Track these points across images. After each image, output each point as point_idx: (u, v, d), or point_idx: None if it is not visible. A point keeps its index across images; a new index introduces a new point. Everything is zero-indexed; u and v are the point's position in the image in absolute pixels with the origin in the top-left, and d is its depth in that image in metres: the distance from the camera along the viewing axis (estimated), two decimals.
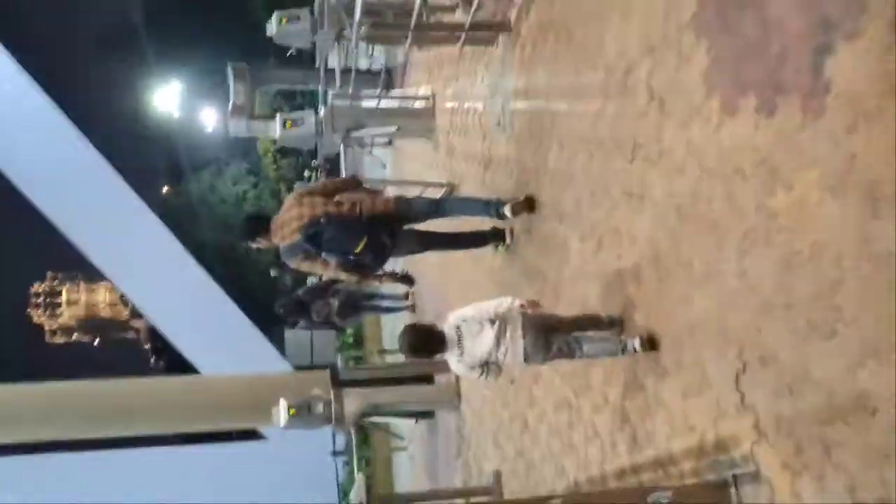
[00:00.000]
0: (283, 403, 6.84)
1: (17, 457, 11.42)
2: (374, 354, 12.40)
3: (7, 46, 15.00)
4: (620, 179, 3.65)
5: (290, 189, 47.73)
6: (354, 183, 5.24)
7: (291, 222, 4.81)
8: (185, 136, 51.86)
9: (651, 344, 3.29)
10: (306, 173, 36.69)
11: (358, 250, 4.66)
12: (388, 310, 11.26)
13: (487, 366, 3.54)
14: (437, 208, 5.30)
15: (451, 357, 3.56)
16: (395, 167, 10.79)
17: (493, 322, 3.43)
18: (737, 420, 2.71)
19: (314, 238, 4.67)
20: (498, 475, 5.67)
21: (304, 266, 5.08)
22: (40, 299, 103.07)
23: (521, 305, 3.50)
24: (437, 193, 7.64)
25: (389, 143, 11.81)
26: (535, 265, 4.94)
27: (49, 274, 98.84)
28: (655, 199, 3.31)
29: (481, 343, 3.44)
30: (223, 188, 53.84)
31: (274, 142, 46.34)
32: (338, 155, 20.45)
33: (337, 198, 4.90)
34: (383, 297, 11.21)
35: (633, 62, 3.51)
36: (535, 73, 4.96)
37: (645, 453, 3.42)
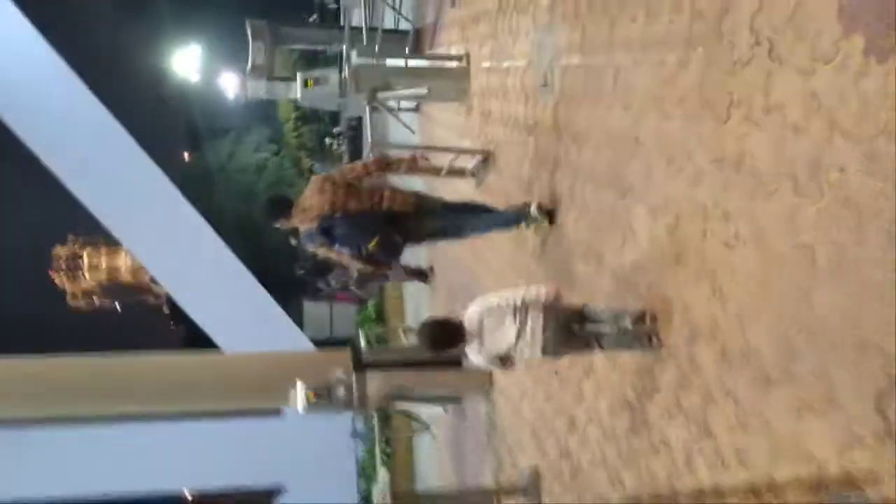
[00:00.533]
0: (300, 387, 6.34)
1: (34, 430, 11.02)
2: (398, 332, 11.88)
3: (22, 9, 14.49)
4: (708, 144, 3.02)
5: (311, 155, 47.23)
6: (382, 164, 5.14)
7: (311, 210, 4.87)
8: (205, 101, 51.32)
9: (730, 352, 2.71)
10: (328, 140, 36.10)
11: (370, 247, 4.78)
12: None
13: (505, 359, 3.52)
14: (453, 209, 5.34)
15: (470, 349, 3.53)
16: (424, 135, 10.16)
17: (514, 316, 3.39)
18: (876, 450, 2.13)
19: (328, 231, 4.80)
20: (535, 474, 5.14)
21: (321, 251, 5.15)
22: (62, 262, 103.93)
23: (546, 297, 3.43)
24: (470, 162, 7.02)
25: (416, 108, 11.17)
26: (587, 246, 4.34)
27: (70, 237, 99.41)
28: (758, 167, 2.69)
29: (502, 337, 3.41)
30: (243, 156, 53.42)
31: (295, 107, 45.92)
32: (360, 120, 19.79)
33: (363, 182, 4.95)
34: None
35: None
36: (592, 22, 4.31)
37: (733, 474, 2.85)
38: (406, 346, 7.01)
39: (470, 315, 3.52)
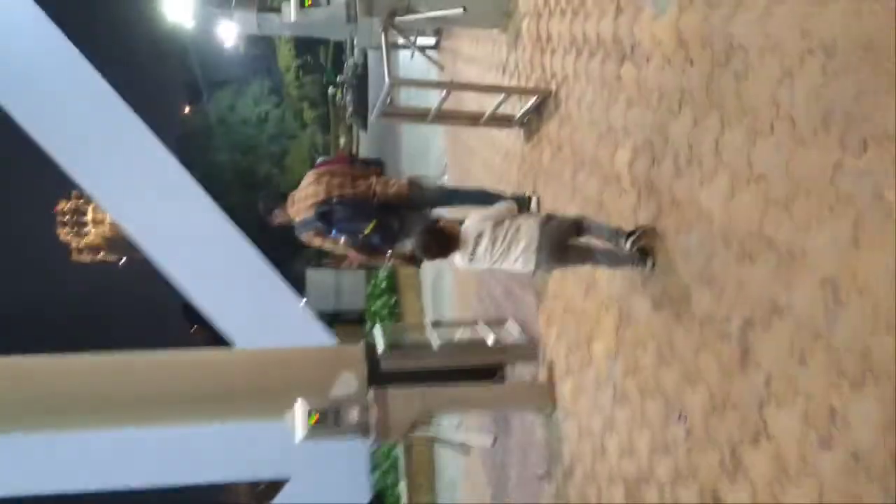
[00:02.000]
0: (300, 406, 4.76)
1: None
2: (418, 330, 10.28)
3: None
4: None
5: (313, 106, 45.07)
6: (378, 172, 5.10)
7: (307, 199, 4.89)
8: (203, 52, 49.19)
9: None
10: (330, 90, 33.96)
11: (367, 232, 4.77)
12: None
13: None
14: (450, 198, 5.32)
15: (459, 255, 3.58)
16: (449, 76, 8.36)
17: (505, 232, 3.48)
18: None
19: (326, 216, 4.79)
20: None
21: (316, 242, 5.08)
22: (66, 217, 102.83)
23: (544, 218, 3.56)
24: (526, 103, 5.30)
25: (436, 45, 9.37)
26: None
27: (74, 192, 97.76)
28: None
29: (494, 252, 3.50)
30: (244, 108, 51.51)
31: (296, 54, 43.57)
32: (366, 66, 17.60)
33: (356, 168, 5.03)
34: None
35: None
36: None
37: None
38: (432, 345, 5.31)
39: (467, 226, 3.57)
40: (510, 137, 5.97)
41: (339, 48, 35.00)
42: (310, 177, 4.98)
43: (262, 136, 50.23)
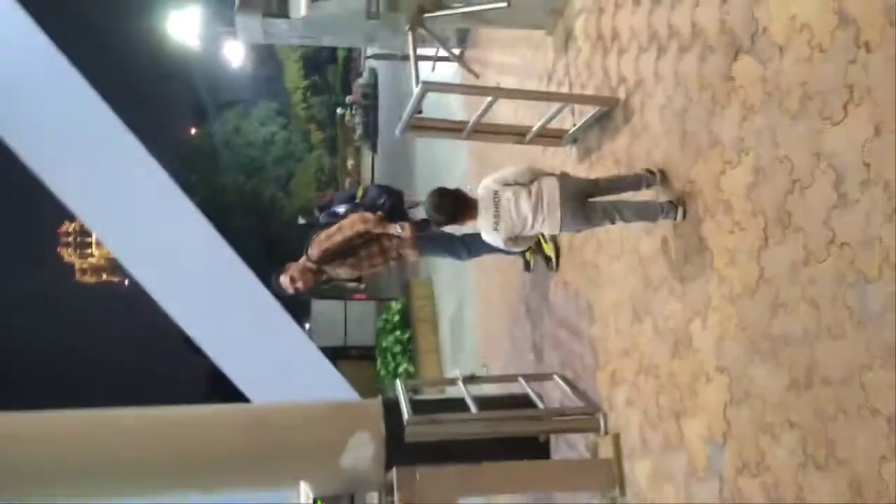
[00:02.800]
0: (303, 492, 3.79)
1: None
2: (437, 383, 9.26)
3: None
4: None
5: (320, 128, 44.29)
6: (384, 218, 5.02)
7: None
8: (208, 73, 48.73)
9: None
10: (339, 111, 33.20)
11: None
12: None
13: (516, 238, 3.47)
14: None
15: (483, 223, 3.42)
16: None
17: (529, 189, 3.33)
18: None
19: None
20: None
21: (335, 238, 4.82)
22: (70, 238, 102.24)
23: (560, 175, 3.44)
24: (582, 116, 4.38)
25: (460, 55, 8.48)
26: None
27: None
28: None
29: (519, 210, 3.33)
30: (249, 129, 50.87)
31: (304, 75, 42.85)
32: (375, 87, 16.62)
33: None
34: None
35: None
36: None
37: None
38: (468, 412, 4.29)
39: (484, 187, 3.43)
40: (556, 157, 5.04)
41: (348, 67, 34.38)
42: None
43: (268, 159, 49.56)
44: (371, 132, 23.66)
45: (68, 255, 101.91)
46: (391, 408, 4.64)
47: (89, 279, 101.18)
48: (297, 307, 14.53)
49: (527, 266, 5.74)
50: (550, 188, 3.31)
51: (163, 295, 10.12)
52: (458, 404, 4.48)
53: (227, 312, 9.79)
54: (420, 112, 4.55)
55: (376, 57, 8.03)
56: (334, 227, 4.84)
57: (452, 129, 4.58)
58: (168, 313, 10.34)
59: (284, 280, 4.92)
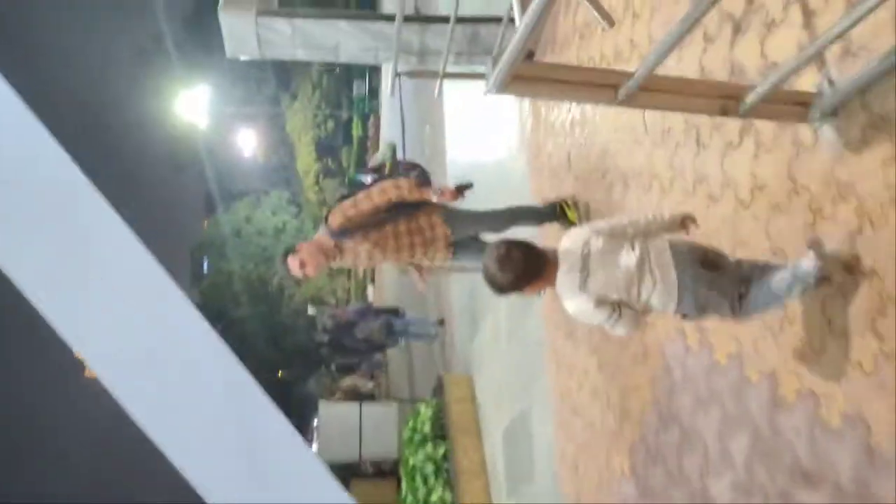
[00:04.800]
0: None
1: None
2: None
3: None
4: None
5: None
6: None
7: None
8: (219, 162, 47.93)
9: None
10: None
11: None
12: (417, 336, 11.84)
13: (619, 307, 2.39)
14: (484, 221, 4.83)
15: (566, 284, 2.41)
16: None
17: (633, 244, 2.41)
18: None
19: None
20: None
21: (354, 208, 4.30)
22: None
23: (681, 223, 2.50)
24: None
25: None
26: None
27: None
28: None
29: (617, 266, 2.38)
30: (261, 219, 49.79)
31: (318, 157, 41.64)
32: (393, 150, 14.46)
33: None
34: (413, 322, 11.82)
35: None
36: None
37: None
38: None
39: (570, 239, 2.49)
40: (779, 144, 2.76)
41: (364, 146, 32.93)
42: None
43: (279, 247, 47.97)
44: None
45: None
46: None
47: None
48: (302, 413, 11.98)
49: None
50: (660, 247, 2.41)
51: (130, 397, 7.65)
52: None
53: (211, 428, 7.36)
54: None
55: (409, 75, 5.92)
56: (362, 194, 4.29)
57: (592, 83, 2.32)
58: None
59: (293, 263, 4.28)
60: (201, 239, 52.80)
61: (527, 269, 2.45)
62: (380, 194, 4.25)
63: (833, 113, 2.39)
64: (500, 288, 2.49)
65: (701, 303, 2.36)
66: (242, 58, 6.16)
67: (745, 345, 2.94)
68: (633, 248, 2.41)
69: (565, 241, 2.53)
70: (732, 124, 3.02)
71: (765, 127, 2.79)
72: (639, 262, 2.37)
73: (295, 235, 48.33)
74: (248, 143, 49.59)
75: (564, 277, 2.42)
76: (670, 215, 2.52)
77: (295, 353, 33.81)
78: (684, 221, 2.52)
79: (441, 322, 11.32)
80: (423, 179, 4.57)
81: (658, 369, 3.68)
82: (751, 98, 2.29)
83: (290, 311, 38.38)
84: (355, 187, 4.60)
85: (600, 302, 2.40)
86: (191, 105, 27.40)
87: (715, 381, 3.15)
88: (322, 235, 4.34)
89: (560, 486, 5.49)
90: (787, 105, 2.38)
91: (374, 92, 35.63)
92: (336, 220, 4.26)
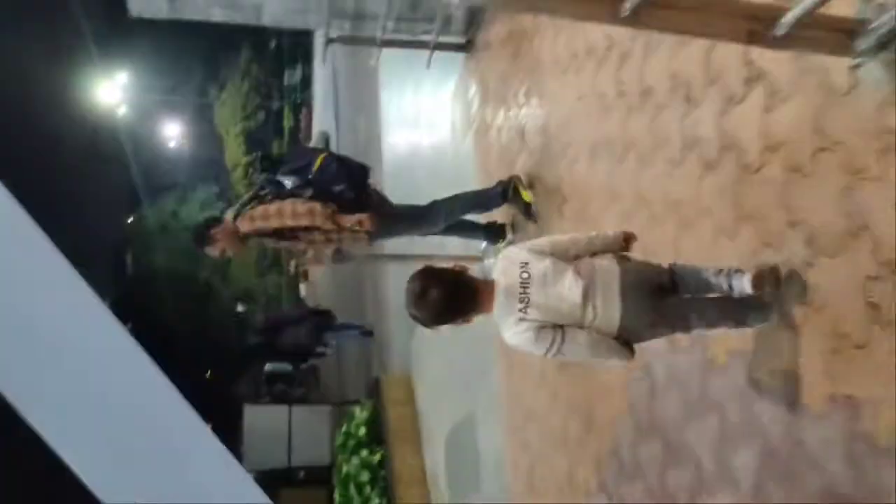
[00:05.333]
0: None
1: None
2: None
3: None
4: None
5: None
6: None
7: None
8: (144, 155, 45.93)
9: None
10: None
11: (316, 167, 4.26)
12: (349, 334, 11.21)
13: (562, 332, 2.12)
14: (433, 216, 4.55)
15: (503, 313, 2.15)
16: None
17: (578, 270, 2.15)
18: None
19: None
20: None
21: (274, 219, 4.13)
22: None
23: (624, 240, 2.28)
24: None
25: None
26: None
27: None
28: None
29: (559, 292, 2.13)
30: (188, 214, 48.07)
31: (245, 151, 40.40)
32: (326, 139, 13.60)
33: None
34: (349, 326, 11.10)
35: None
36: None
37: None
38: None
39: (506, 261, 2.22)
40: (801, 91, 2.27)
41: (296, 138, 31.95)
42: None
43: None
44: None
45: None
46: None
47: None
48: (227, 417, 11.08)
49: (528, 210, 4.37)
50: (607, 267, 2.18)
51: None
52: None
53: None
54: None
55: (342, 41, 5.29)
56: (273, 209, 4.09)
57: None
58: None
59: (212, 251, 4.26)
60: (124, 234, 50.68)
61: (450, 307, 2.18)
62: (292, 217, 4.09)
63: (882, 46, 1.91)
64: (426, 325, 2.23)
65: (648, 333, 2.23)
66: (147, 16, 5.40)
67: (750, 340, 2.44)
68: (578, 277, 2.16)
69: (502, 263, 2.27)
70: (734, 75, 2.53)
71: (781, 72, 2.29)
72: (583, 293, 2.14)
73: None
74: (173, 134, 47.77)
75: (501, 305, 2.16)
76: (613, 233, 2.32)
77: (224, 353, 32.61)
78: (627, 239, 2.32)
79: (370, 333, 10.97)
80: (358, 183, 4.34)
81: (634, 370, 3.16)
82: (787, 18, 1.77)
83: (217, 309, 37.07)
84: (272, 186, 4.28)
85: (538, 333, 2.16)
86: (109, 92, 25.86)
87: (711, 383, 2.64)
88: (235, 228, 4.23)
89: (511, 497, 4.96)
90: (829, 32, 1.87)
91: (306, 81, 34.55)
92: (245, 226, 4.14)
